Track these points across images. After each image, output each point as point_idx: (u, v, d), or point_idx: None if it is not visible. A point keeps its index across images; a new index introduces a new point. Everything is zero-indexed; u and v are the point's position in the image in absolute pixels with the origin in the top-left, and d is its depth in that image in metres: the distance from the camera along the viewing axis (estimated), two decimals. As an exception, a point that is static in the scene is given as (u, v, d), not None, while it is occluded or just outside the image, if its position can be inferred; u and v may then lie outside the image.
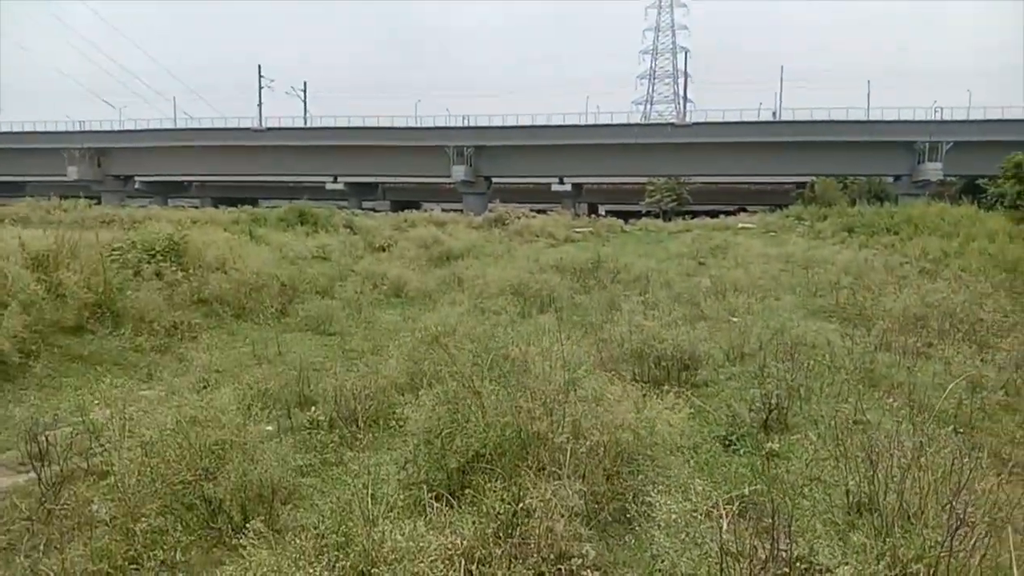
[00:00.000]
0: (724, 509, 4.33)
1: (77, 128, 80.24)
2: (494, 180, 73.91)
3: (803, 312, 13.06)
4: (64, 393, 8.44)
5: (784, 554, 3.91)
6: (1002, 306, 15.10)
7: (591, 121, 70.92)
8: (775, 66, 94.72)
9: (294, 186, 78.82)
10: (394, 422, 6.45)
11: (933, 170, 59.79)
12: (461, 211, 59.55)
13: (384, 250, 24.92)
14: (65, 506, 5.21)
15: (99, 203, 53.34)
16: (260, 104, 79.34)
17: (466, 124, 72.40)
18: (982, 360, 10.09)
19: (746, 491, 5.20)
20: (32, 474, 5.98)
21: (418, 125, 73.87)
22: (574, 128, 69.58)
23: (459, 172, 69.85)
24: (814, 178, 62.53)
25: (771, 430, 6.92)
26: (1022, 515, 4.87)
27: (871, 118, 64.60)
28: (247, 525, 4.33)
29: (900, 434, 5.87)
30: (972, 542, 4.21)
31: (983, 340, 11.56)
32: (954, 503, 4.19)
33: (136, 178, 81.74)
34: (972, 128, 60.27)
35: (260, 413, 6.27)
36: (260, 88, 80.00)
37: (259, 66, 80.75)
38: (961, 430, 7.25)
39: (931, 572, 4.05)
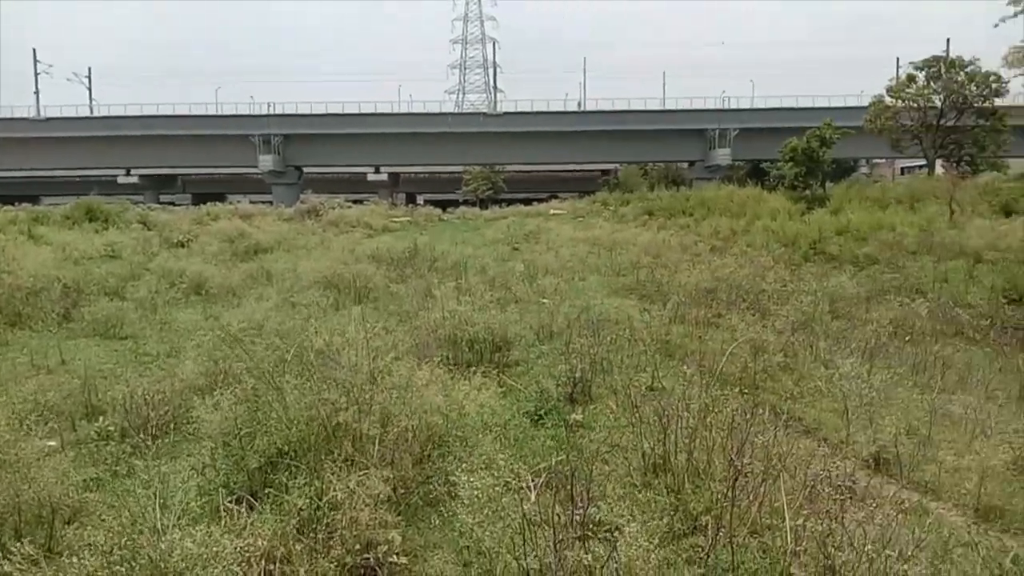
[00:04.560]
0: (532, 481, 4.47)
1: None
2: (305, 170, 71.31)
3: (607, 291, 13.74)
4: None
5: (583, 518, 4.09)
6: (781, 277, 16.72)
7: (404, 110, 70.38)
8: (580, 58, 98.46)
9: (82, 181, 71.84)
10: (191, 426, 6.08)
11: (723, 155, 64.76)
12: (271, 203, 57.09)
13: (183, 246, 23.40)
14: None
15: None
16: (37, 92, 71.26)
17: (272, 112, 69.31)
18: (764, 326, 11.11)
19: (552, 462, 5.38)
20: None
21: (219, 113, 69.63)
22: (387, 116, 68.64)
23: (267, 162, 66.70)
24: (618, 165, 66.02)
25: (576, 402, 7.22)
26: (794, 463, 5.37)
27: (667, 107, 68.99)
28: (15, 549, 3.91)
29: (690, 398, 6.34)
30: (751, 491, 4.63)
31: (765, 308, 12.72)
32: (734, 457, 4.58)
33: None
34: (756, 116, 65.84)
35: (37, 427, 5.70)
36: (36, 74, 71.95)
37: (34, 50, 72.64)
38: (746, 391, 7.94)
39: (717, 522, 4.39)
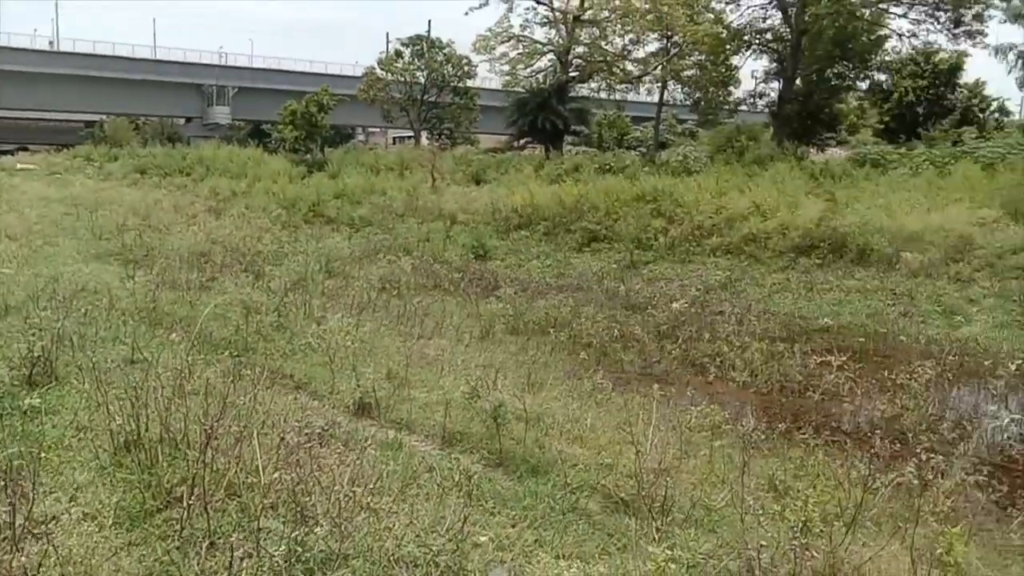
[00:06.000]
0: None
1: None
2: None
3: (85, 256, 12.25)
4: None
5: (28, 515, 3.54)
6: (279, 238, 16.94)
7: None
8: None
9: None
10: None
11: (222, 113, 62.23)
12: None
13: None
14: None
15: None
16: None
17: None
18: (258, 287, 11.08)
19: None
20: None
21: None
22: None
23: None
24: (104, 116, 59.04)
25: (37, 385, 6.26)
26: (276, 418, 5.40)
27: (158, 57, 63.47)
28: None
29: (171, 367, 5.98)
30: (228, 453, 4.53)
31: (261, 270, 12.70)
32: (207, 421, 4.41)
33: None
34: (256, 75, 64.47)
35: None
36: None
37: None
38: (237, 353, 7.79)
39: (191, 490, 4.19)
